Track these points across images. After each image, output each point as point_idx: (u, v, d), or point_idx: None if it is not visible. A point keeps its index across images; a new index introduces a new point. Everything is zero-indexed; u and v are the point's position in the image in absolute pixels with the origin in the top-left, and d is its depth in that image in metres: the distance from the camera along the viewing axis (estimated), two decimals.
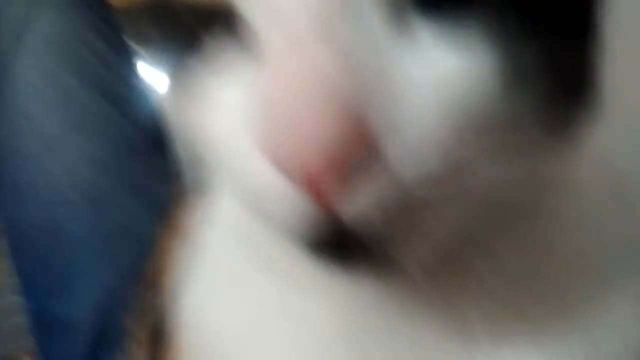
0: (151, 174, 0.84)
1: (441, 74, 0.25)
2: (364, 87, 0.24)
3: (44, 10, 0.82)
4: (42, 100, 0.80)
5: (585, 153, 0.30)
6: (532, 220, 0.30)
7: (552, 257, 0.32)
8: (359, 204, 0.24)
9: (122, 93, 0.85)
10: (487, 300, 0.31)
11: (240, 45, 0.28)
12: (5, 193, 0.81)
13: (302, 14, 0.24)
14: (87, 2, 0.87)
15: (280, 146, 0.24)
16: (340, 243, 0.26)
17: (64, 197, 0.79)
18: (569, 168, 0.30)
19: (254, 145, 0.26)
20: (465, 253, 0.29)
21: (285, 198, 0.25)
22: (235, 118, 0.28)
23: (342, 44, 0.24)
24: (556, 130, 0.27)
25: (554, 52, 0.26)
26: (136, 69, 0.92)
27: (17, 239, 0.81)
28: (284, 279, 0.34)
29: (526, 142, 0.26)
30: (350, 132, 0.23)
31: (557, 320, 0.31)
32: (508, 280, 0.31)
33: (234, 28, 0.28)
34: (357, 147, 0.23)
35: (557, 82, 0.26)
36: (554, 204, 0.30)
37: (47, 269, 0.78)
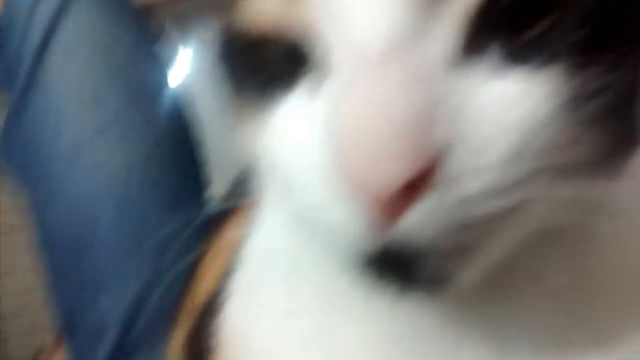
0: (178, 178, 0.84)
1: (507, 96, 0.25)
2: (432, 107, 0.24)
3: (77, 6, 0.83)
4: (73, 98, 0.80)
5: (634, 177, 0.30)
6: (581, 243, 0.30)
7: (598, 280, 0.32)
8: (420, 222, 0.25)
9: (151, 93, 0.85)
10: (532, 321, 0.31)
11: (308, 67, 0.28)
12: (35, 192, 0.81)
13: (375, 37, 0.25)
14: (120, 4, 0.88)
15: (351, 166, 0.24)
16: (395, 261, 0.26)
17: (92, 198, 0.79)
18: (619, 192, 0.30)
19: (324, 164, 0.26)
20: (513, 274, 0.29)
21: (349, 212, 0.26)
22: (304, 137, 0.28)
23: (415, 66, 0.24)
24: (610, 155, 0.27)
25: (613, 82, 0.26)
26: (165, 69, 0.92)
27: (48, 237, 0.81)
28: (325, 299, 0.34)
29: (582, 165, 0.26)
30: (419, 155, 0.24)
31: (599, 344, 0.31)
32: (554, 302, 0.31)
33: (301, 50, 0.28)
34: (425, 169, 0.24)
35: (615, 109, 0.26)
36: (603, 227, 0.30)
37: (76, 268, 0.79)
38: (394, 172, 0.24)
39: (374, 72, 0.24)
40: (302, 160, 0.28)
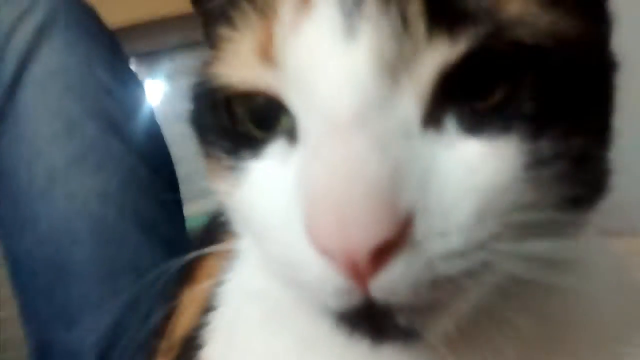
0: (154, 206, 0.85)
1: (467, 162, 0.27)
2: (398, 174, 0.26)
3: (50, 40, 0.83)
4: (46, 131, 0.81)
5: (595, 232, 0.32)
6: (547, 294, 0.32)
7: (565, 329, 0.33)
8: (391, 282, 0.26)
9: (126, 123, 0.86)
10: None
11: (279, 127, 0.30)
12: (8, 223, 0.81)
13: (342, 104, 0.26)
14: (92, 32, 0.88)
15: (321, 231, 0.26)
16: (368, 315, 0.28)
17: (67, 227, 0.79)
18: (582, 246, 0.31)
19: (297, 226, 0.27)
20: (483, 323, 0.31)
21: (322, 273, 0.27)
22: (277, 195, 0.29)
23: (379, 133, 0.26)
24: (571, 212, 0.29)
25: (571, 145, 0.28)
26: (140, 97, 0.93)
27: (19, 269, 0.81)
28: (305, 344, 0.35)
29: (545, 223, 0.28)
30: (387, 221, 0.25)
31: None
32: (522, 348, 0.32)
33: (274, 111, 0.30)
34: (393, 232, 0.25)
35: (573, 170, 0.29)
36: (569, 279, 0.32)
37: (50, 299, 0.79)
38: (363, 237, 0.25)
39: (341, 138, 0.26)
40: (277, 220, 0.29)
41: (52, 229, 0.79)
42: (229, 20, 0.32)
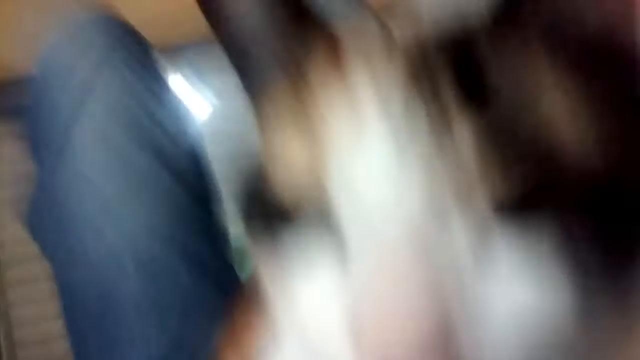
0: (201, 239, 0.86)
1: (518, 302, 0.26)
2: (449, 307, 0.25)
3: (106, 75, 0.85)
4: (100, 165, 0.82)
5: None
6: None
7: None
8: None
9: (174, 155, 0.87)
10: None
11: (327, 236, 0.30)
12: (60, 254, 0.83)
13: (396, 242, 0.26)
14: (145, 65, 0.90)
15: (370, 350, 0.26)
16: None
17: (116, 261, 0.80)
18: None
19: (342, 337, 0.27)
20: None
21: None
22: (322, 304, 0.30)
23: (433, 274, 0.26)
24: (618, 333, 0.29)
25: (620, 277, 0.28)
26: (188, 128, 0.94)
27: (70, 300, 0.83)
28: None
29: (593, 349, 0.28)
30: (436, 349, 0.25)
31: None
32: None
33: (322, 220, 0.30)
34: None
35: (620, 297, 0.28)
36: None
37: (98, 332, 0.80)
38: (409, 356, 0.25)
39: (392, 278, 0.26)
40: (329, 339, 0.29)
41: (100, 262, 0.80)
42: (274, 102, 0.33)
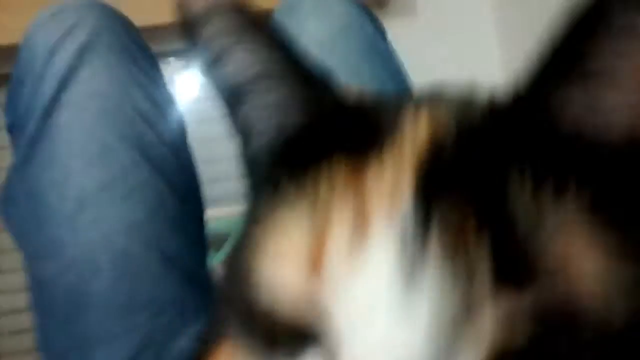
0: (179, 238, 0.83)
1: None
2: None
3: (91, 62, 0.82)
4: (79, 154, 0.79)
5: None
6: None
7: None
8: None
9: (158, 150, 0.84)
10: None
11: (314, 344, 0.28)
12: (33, 247, 0.80)
13: None
14: (133, 54, 0.87)
15: None
16: None
17: (91, 257, 0.77)
18: None
19: None
20: None
21: None
22: None
23: None
24: None
25: None
26: (175, 122, 0.91)
27: (39, 295, 0.80)
28: None
29: None
30: None
31: None
32: None
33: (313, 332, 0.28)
34: None
35: None
36: None
37: (65, 330, 0.77)
38: None
39: None
40: None
41: (75, 257, 0.77)
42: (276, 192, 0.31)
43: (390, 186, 0.27)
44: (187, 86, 1.97)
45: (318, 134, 0.32)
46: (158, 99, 0.87)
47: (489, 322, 0.25)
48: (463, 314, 0.25)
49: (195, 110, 1.84)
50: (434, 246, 0.25)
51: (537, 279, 0.25)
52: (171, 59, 1.95)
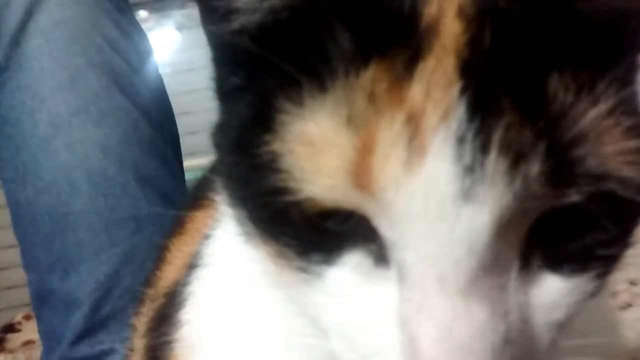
0: (154, 160, 0.86)
1: (551, 299, 0.29)
2: (508, 333, 0.27)
3: None
4: (50, 80, 0.82)
5: None
6: None
7: None
8: None
9: (130, 77, 0.87)
10: None
11: (362, 241, 0.29)
12: (10, 172, 0.82)
13: (459, 267, 0.26)
14: None
15: None
16: None
17: (67, 178, 0.80)
18: None
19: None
20: None
21: None
22: (361, 313, 0.29)
23: (492, 295, 0.27)
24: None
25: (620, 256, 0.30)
26: (145, 52, 0.93)
27: (21, 216, 0.83)
28: (283, 312, 0.35)
29: None
30: None
31: None
32: None
33: (358, 224, 0.29)
34: None
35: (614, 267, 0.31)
36: None
37: (48, 248, 0.81)
38: None
39: (456, 303, 0.26)
40: (361, 338, 0.29)
41: (52, 179, 0.81)
42: (298, 101, 0.28)
43: (437, 87, 0.26)
44: (164, 40, 1.98)
45: (322, 16, 0.28)
46: (126, 27, 0.88)
47: (528, 220, 0.27)
48: (516, 218, 0.26)
49: (171, 63, 1.86)
50: (493, 145, 0.26)
51: (579, 183, 0.26)
52: (146, 13, 1.96)
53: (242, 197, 0.31)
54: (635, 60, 0.29)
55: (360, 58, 0.27)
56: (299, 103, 0.28)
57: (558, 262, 0.29)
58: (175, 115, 0.96)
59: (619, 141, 0.27)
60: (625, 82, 0.28)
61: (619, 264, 0.31)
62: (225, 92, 0.32)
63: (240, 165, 0.31)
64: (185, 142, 0.97)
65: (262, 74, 0.29)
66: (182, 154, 0.97)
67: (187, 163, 0.99)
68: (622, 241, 0.30)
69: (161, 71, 0.97)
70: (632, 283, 0.98)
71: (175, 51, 1.96)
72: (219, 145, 0.33)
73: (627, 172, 0.27)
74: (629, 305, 0.91)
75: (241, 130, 0.31)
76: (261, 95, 0.29)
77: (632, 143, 0.27)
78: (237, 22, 0.30)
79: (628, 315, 0.87)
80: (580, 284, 0.29)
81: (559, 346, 0.30)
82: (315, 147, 0.28)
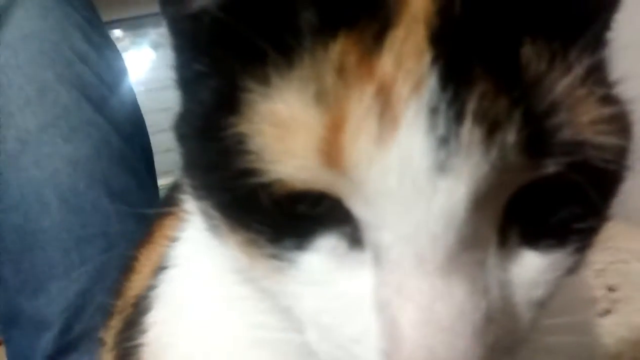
0: (125, 175, 0.84)
1: (529, 276, 0.28)
2: (489, 310, 0.26)
3: (25, 3, 0.82)
4: (18, 95, 0.80)
5: None
6: None
7: None
8: None
9: (100, 92, 0.85)
10: None
11: (336, 224, 0.28)
12: None
13: (437, 244, 0.26)
14: (71, 3, 0.88)
15: None
16: None
17: (36, 195, 0.78)
18: None
19: (367, 345, 0.27)
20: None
21: None
22: (335, 298, 0.28)
23: (471, 272, 0.26)
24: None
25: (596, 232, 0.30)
26: (116, 66, 0.92)
27: None
28: (252, 309, 0.34)
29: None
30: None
31: None
32: None
33: (330, 207, 0.28)
34: None
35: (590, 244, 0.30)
36: None
37: (17, 267, 0.78)
38: None
39: (434, 282, 0.26)
40: (337, 323, 0.28)
41: (21, 196, 0.79)
42: (264, 80, 0.27)
43: (407, 58, 0.25)
44: (139, 58, 1.97)
45: None
46: (96, 40, 0.87)
47: (505, 195, 0.27)
48: (492, 191, 0.26)
49: (146, 81, 1.85)
50: (467, 115, 0.25)
51: (557, 153, 0.26)
52: (121, 32, 1.96)
53: (208, 186, 0.30)
54: (604, 27, 0.29)
55: (328, 31, 0.26)
56: (265, 82, 0.27)
57: (536, 237, 0.28)
58: (150, 134, 0.95)
59: (593, 110, 0.27)
60: (595, 49, 0.28)
61: (597, 238, 0.30)
62: (187, 80, 0.32)
63: (206, 151, 0.30)
64: (159, 160, 0.95)
65: (226, 55, 0.28)
66: (157, 172, 0.96)
67: (162, 181, 0.96)
68: (599, 214, 0.29)
69: (136, 89, 0.97)
70: (611, 289, 0.98)
71: (150, 69, 1.96)
72: (182, 136, 0.32)
73: (602, 140, 0.26)
74: (607, 312, 0.90)
75: (206, 116, 0.30)
76: (226, 77, 0.29)
77: (605, 111, 0.27)
78: (197, 3, 0.28)
79: (607, 321, 0.86)
80: (558, 260, 0.28)
81: (540, 325, 0.29)
82: (283, 126, 0.27)
